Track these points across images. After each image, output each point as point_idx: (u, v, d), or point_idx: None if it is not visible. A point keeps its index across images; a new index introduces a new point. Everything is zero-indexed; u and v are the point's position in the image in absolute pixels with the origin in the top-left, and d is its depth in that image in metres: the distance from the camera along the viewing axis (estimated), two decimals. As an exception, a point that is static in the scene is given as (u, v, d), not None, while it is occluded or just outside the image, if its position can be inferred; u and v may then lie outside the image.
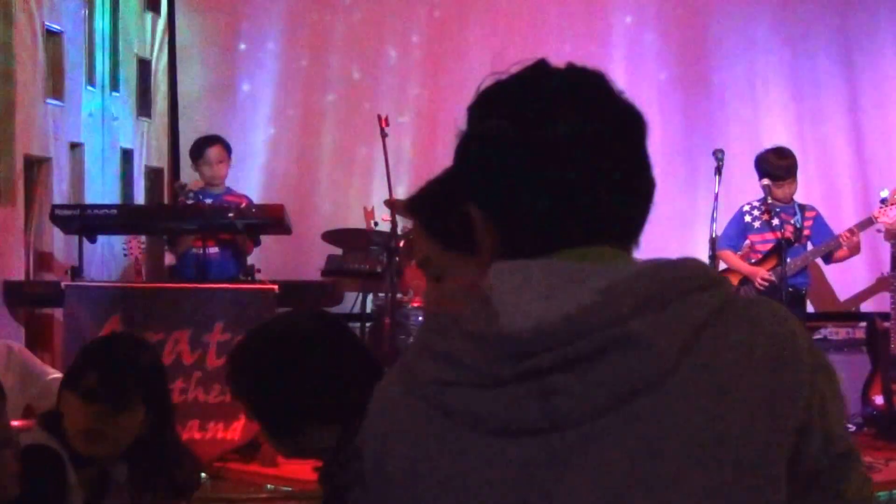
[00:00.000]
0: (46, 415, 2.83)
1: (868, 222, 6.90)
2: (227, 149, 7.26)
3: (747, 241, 7.06)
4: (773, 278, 6.80)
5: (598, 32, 8.80)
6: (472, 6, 8.88)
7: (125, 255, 7.04)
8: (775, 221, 6.76)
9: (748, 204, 7.10)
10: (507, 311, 1.23)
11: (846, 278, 8.23)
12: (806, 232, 6.92)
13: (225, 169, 7.24)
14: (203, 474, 6.20)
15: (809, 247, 7.00)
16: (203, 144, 7.26)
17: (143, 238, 7.12)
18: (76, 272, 6.49)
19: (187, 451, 3.08)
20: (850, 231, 6.91)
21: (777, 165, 6.80)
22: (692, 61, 8.73)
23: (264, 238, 7.10)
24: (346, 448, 2.21)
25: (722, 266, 6.94)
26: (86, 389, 2.73)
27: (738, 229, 7.04)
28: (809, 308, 7.76)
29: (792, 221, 6.83)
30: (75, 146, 7.81)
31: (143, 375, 2.81)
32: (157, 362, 2.96)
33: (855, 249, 6.95)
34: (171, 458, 2.91)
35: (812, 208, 7.08)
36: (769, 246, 6.91)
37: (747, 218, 7.05)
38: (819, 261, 7.40)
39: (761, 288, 6.84)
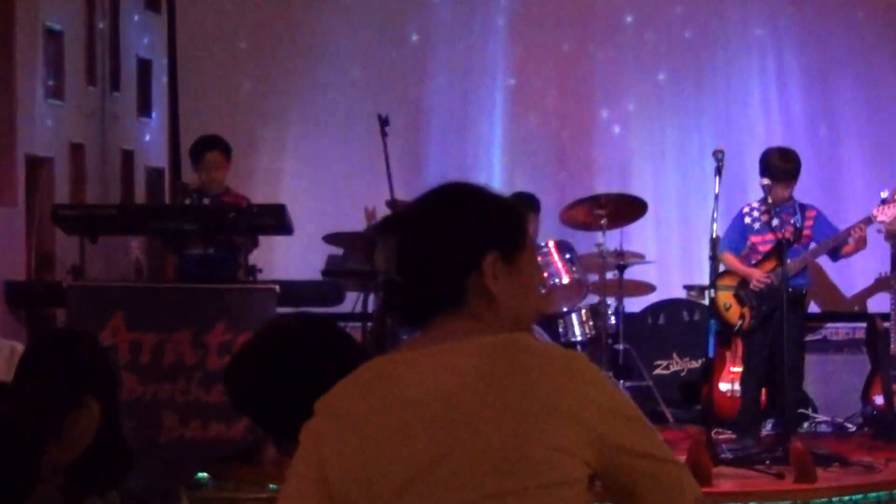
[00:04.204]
0: None
1: (867, 221, 6.91)
2: (226, 152, 7.21)
3: (749, 243, 7.07)
4: (769, 280, 6.81)
5: (598, 32, 8.80)
6: (472, 6, 8.89)
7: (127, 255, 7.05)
8: (775, 222, 6.78)
9: (748, 205, 7.09)
10: None
11: (846, 278, 8.24)
12: (806, 232, 6.91)
13: (223, 174, 7.19)
14: (206, 474, 6.23)
15: (811, 246, 6.99)
16: (202, 148, 7.18)
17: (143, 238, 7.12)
18: (77, 272, 6.48)
19: (124, 439, 3.00)
20: (858, 227, 6.89)
21: (777, 167, 6.81)
22: (692, 61, 8.73)
23: (265, 238, 7.10)
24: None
25: (722, 268, 6.95)
26: (31, 400, 2.59)
27: (739, 231, 7.03)
28: (812, 308, 7.77)
29: (791, 221, 6.83)
30: (76, 146, 7.82)
31: (84, 372, 2.75)
32: (97, 353, 2.89)
33: (861, 243, 6.95)
34: (119, 446, 2.86)
35: (813, 207, 7.08)
36: (769, 247, 6.92)
37: (747, 219, 7.04)
38: (822, 260, 7.40)
39: (756, 289, 6.85)
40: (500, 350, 1.84)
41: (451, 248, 1.89)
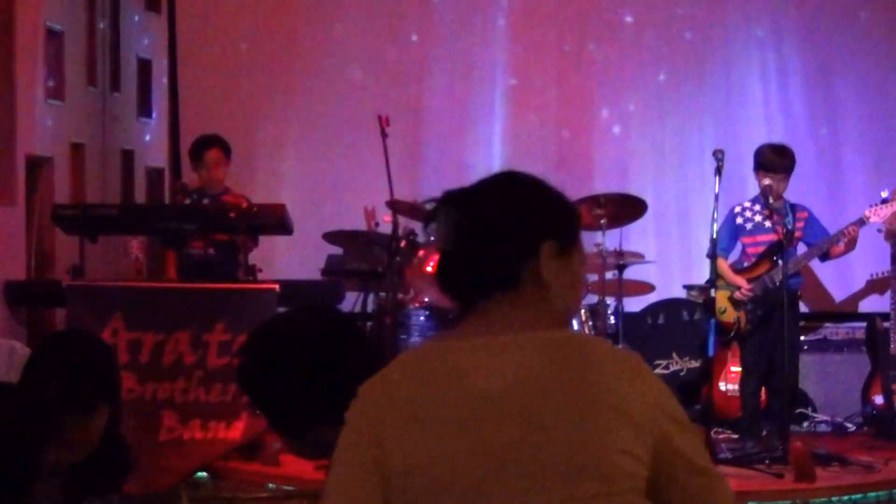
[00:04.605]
0: None
1: (859, 223, 6.91)
2: (226, 150, 7.23)
3: (740, 244, 7.06)
4: (751, 294, 6.80)
5: (598, 32, 8.80)
6: (472, 6, 8.89)
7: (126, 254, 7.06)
8: (767, 224, 6.77)
9: (738, 205, 7.08)
10: None
11: (845, 278, 8.24)
12: (798, 234, 6.90)
13: (222, 172, 7.21)
14: (205, 473, 6.23)
15: (801, 248, 6.99)
16: (201, 147, 7.21)
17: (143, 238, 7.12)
18: (77, 272, 6.49)
19: (124, 442, 2.98)
20: (851, 228, 6.90)
21: (770, 159, 6.81)
22: (692, 61, 8.74)
23: (265, 238, 7.11)
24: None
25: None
26: (46, 401, 2.60)
27: (730, 232, 7.01)
28: (804, 308, 7.77)
29: (783, 222, 6.82)
30: (76, 146, 7.83)
31: (104, 377, 2.74)
32: (112, 358, 2.88)
33: (852, 245, 6.95)
34: (120, 449, 2.86)
35: (804, 208, 7.07)
36: (760, 249, 6.92)
37: (738, 220, 7.03)
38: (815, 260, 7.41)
39: (741, 298, 6.85)
40: (562, 347, 1.84)
41: (512, 229, 1.91)
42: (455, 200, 1.95)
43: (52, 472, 2.64)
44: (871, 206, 6.92)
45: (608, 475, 1.76)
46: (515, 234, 1.91)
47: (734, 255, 7.11)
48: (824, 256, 7.07)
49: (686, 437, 1.84)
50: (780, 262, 6.65)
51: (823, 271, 8.08)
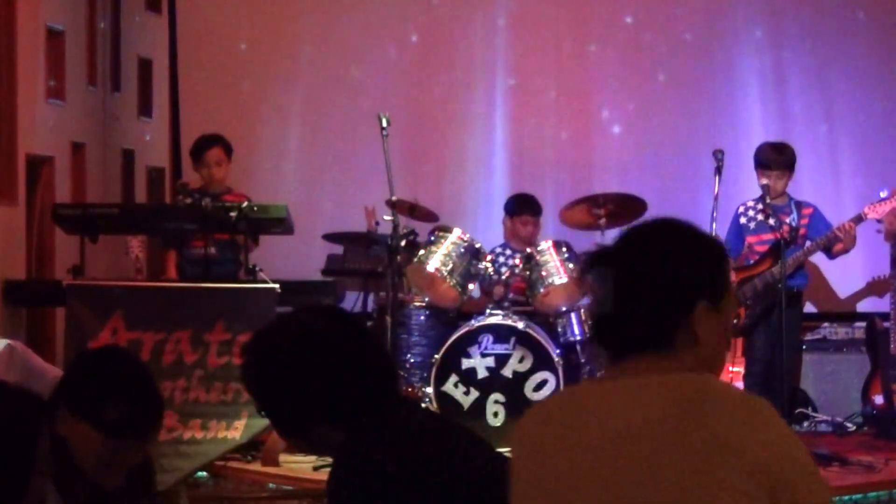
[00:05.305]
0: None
1: (857, 219, 6.91)
2: (227, 149, 7.24)
3: (745, 243, 7.07)
4: (753, 289, 6.82)
5: (598, 32, 8.81)
6: (472, 6, 8.89)
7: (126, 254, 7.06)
8: (771, 221, 6.78)
9: (742, 205, 7.11)
10: None
11: (845, 278, 8.24)
12: (802, 231, 6.91)
13: (223, 170, 7.22)
14: (205, 473, 6.24)
15: (807, 245, 7.00)
16: (202, 146, 7.22)
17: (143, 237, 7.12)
18: (77, 271, 6.49)
19: (152, 465, 2.95)
20: (847, 224, 6.90)
21: (768, 156, 6.83)
22: (692, 61, 8.74)
23: (265, 238, 7.11)
24: (353, 447, 2.22)
25: None
26: (111, 424, 2.53)
27: (736, 232, 7.04)
28: (809, 308, 7.77)
29: (788, 220, 6.83)
30: (77, 145, 7.83)
31: (158, 403, 2.67)
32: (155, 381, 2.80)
33: (850, 241, 6.94)
34: (149, 473, 2.85)
35: (809, 205, 7.09)
36: (765, 247, 6.93)
37: (742, 220, 7.05)
38: (819, 260, 7.40)
39: (749, 292, 6.85)
40: (689, 390, 1.87)
41: (668, 291, 1.93)
42: (609, 259, 1.97)
43: (45, 465, 2.56)
44: (869, 204, 6.92)
45: None
46: (670, 296, 1.93)
47: (739, 256, 7.13)
48: (830, 254, 7.07)
49: (810, 486, 1.82)
50: (784, 259, 6.66)
51: (825, 271, 8.08)
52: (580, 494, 1.85)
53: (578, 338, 7.08)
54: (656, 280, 1.92)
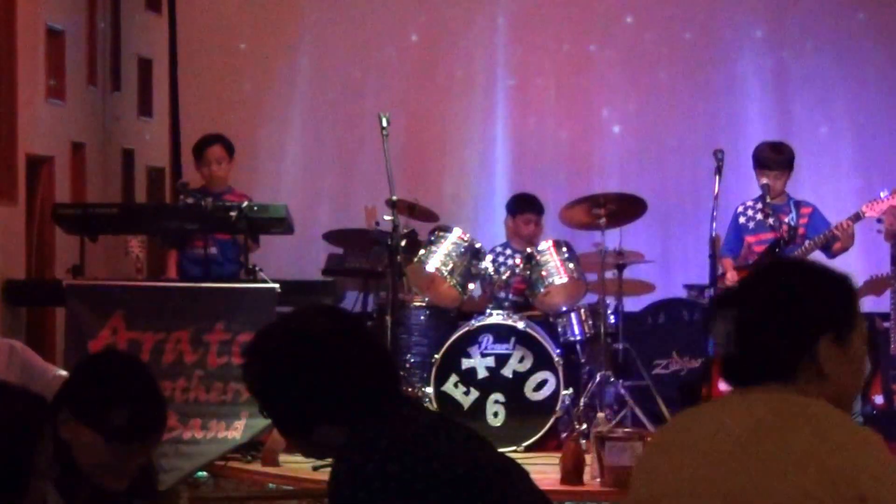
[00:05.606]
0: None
1: (855, 217, 6.91)
2: (228, 148, 7.25)
3: (745, 243, 7.07)
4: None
5: (598, 32, 8.81)
6: (472, 6, 8.89)
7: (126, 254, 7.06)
8: (770, 221, 6.77)
9: (742, 205, 7.11)
10: None
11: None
12: (801, 230, 6.91)
13: (225, 169, 7.23)
14: (205, 473, 6.24)
15: (806, 244, 7.00)
16: (203, 144, 7.25)
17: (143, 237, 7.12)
18: (77, 271, 6.49)
19: (154, 469, 2.97)
20: (845, 222, 6.89)
21: (767, 155, 6.83)
22: (692, 61, 8.74)
23: (265, 238, 7.11)
24: (355, 447, 2.21)
25: (721, 271, 6.97)
26: (115, 430, 2.52)
27: (735, 233, 7.05)
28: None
29: (786, 220, 6.83)
30: (77, 145, 7.83)
31: (166, 408, 2.68)
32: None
33: (848, 240, 6.94)
34: (152, 476, 2.85)
35: (808, 204, 7.09)
36: (764, 247, 6.93)
37: (741, 219, 7.05)
38: (819, 258, 7.40)
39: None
40: (789, 408, 1.92)
41: (786, 326, 1.98)
42: (733, 302, 2.04)
43: (46, 467, 2.56)
44: (867, 203, 6.91)
45: None
46: (792, 336, 1.97)
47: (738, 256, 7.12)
48: (829, 253, 7.07)
49: None
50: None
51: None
52: (692, 492, 1.93)
53: (578, 338, 7.09)
54: (774, 316, 1.98)
